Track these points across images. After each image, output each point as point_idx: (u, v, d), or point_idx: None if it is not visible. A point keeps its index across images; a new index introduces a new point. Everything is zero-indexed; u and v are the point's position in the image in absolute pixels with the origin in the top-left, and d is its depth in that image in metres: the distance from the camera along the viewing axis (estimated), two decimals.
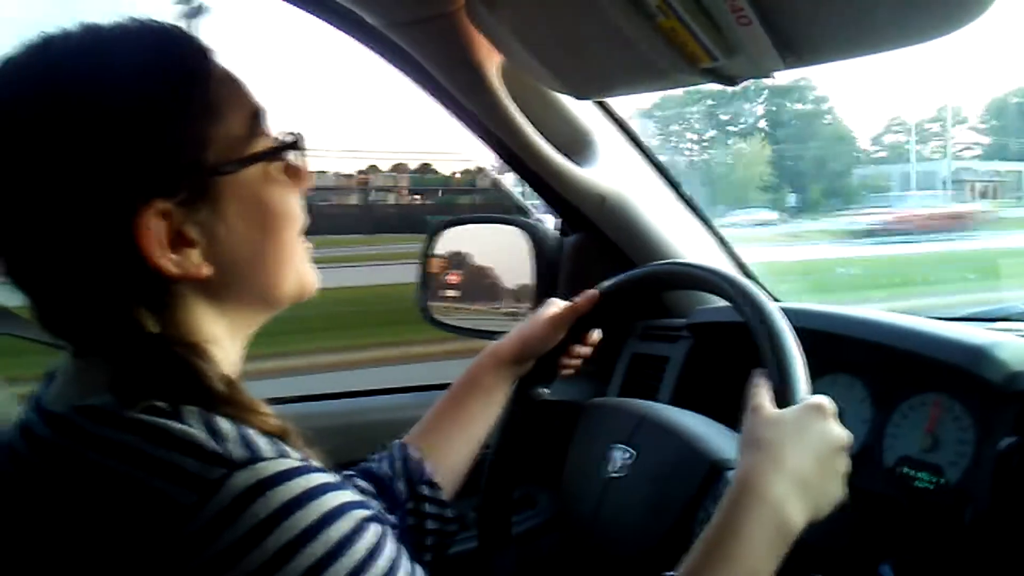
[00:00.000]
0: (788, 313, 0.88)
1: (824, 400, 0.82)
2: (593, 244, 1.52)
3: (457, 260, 1.67)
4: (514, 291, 1.63)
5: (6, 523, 0.65)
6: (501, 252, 1.65)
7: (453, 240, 1.65)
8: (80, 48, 0.66)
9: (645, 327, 1.54)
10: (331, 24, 1.22)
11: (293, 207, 0.74)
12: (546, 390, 1.12)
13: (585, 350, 1.12)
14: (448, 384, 1.09)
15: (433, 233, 1.63)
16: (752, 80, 0.97)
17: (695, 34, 0.87)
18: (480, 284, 1.68)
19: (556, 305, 1.10)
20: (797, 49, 0.89)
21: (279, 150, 0.73)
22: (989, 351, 0.98)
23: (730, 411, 0.97)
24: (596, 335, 1.12)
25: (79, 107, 0.63)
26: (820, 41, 0.90)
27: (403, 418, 1.12)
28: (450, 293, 1.67)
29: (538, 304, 1.45)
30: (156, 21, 0.69)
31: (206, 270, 0.68)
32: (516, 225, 1.60)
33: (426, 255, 1.62)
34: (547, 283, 1.55)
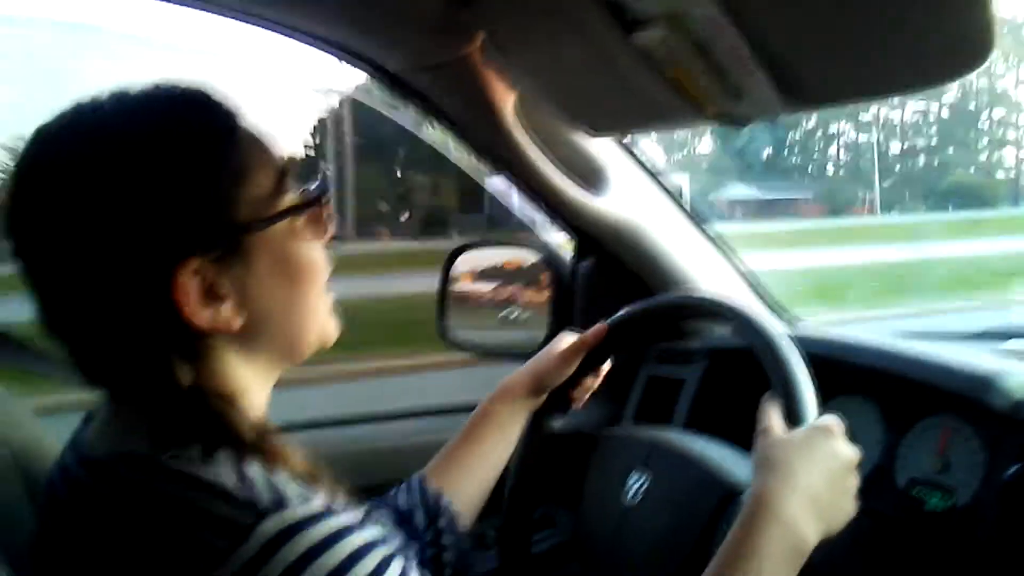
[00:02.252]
0: (800, 340, 0.90)
1: (832, 419, 0.84)
2: (607, 270, 1.54)
3: (476, 282, 1.70)
4: (532, 314, 1.66)
5: (43, 563, 0.68)
6: (518, 275, 1.68)
7: (471, 263, 1.68)
8: (110, 115, 0.68)
9: (661, 350, 1.55)
10: (354, 67, 1.25)
11: (318, 259, 0.77)
12: (559, 422, 1.14)
13: (596, 382, 1.15)
14: (470, 404, 1.12)
15: (452, 255, 1.66)
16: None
17: (702, 82, 0.90)
18: (498, 306, 1.70)
19: (566, 339, 1.12)
20: (799, 94, 0.91)
21: (304, 206, 0.75)
22: (995, 380, 1.00)
23: (746, 433, 0.99)
24: (606, 366, 1.15)
25: (114, 175, 0.65)
26: (821, 87, 0.92)
27: (425, 441, 1.14)
28: (468, 315, 1.70)
29: (554, 327, 1.49)
30: (183, 85, 0.71)
31: (238, 323, 0.70)
32: (533, 248, 1.63)
33: (445, 278, 1.65)
34: (563, 307, 1.57)
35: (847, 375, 1.20)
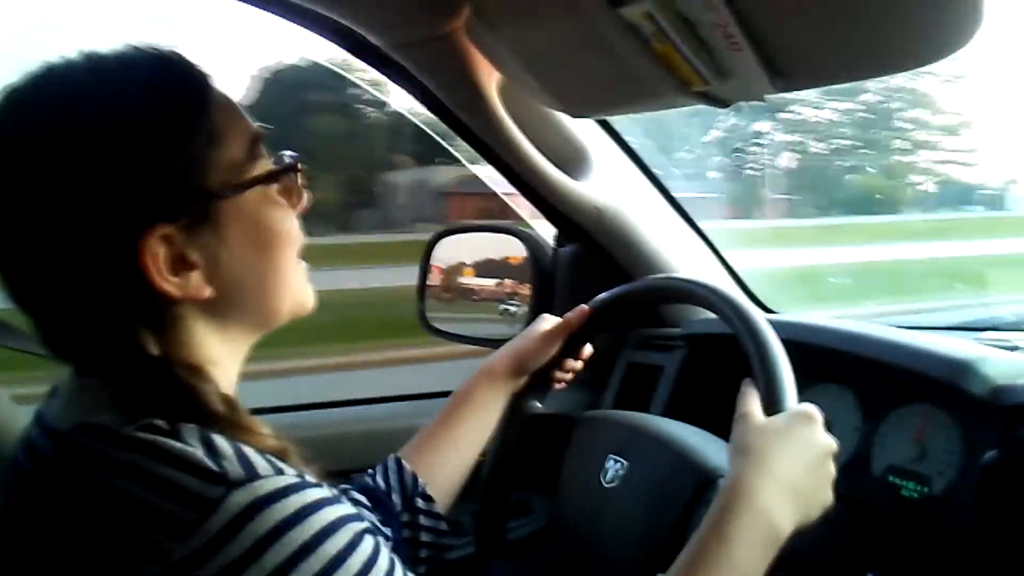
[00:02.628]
0: (778, 325, 0.90)
1: (811, 408, 0.84)
2: (588, 255, 1.54)
3: (455, 268, 1.69)
4: (512, 299, 1.65)
5: (9, 538, 0.66)
6: (498, 260, 1.67)
7: (451, 248, 1.67)
8: (82, 77, 0.67)
9: (641, 336, 1.56)
10: (335, 43, 1.24)
11: (291, 228, 0.76)
12: (539, 404, 1.14)
13: (578, 364, 1.15)
14: (445, 392, 1.11)
15: (432, 241, 1.65)
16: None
17: (687, 58, 0.89)
18: (478, 292, 1.70)
19: (548, 320, 1.12)
20: (786, 73, 0.90)
21: (278, 173, 0.74)
22: (974, 365, 1.00)
23: (724, 420, 0.99)
24: (588, 349, 1.14)
25: (83, 136, 0.64)
26: (808, 66, 0.92)
27: (401, 427, 1.14)
28: (448, 301, 1.69)
29: (534, 313, 1.48)
30: (156, 48, 0.70)
31: (207, 292, 0.69)
32: (513, 234, 1.62)
33: (425, 263, 1.64)
34: (543, 292, 1.57)
35: (825, 362, 1.20)
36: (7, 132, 0.66)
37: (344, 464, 0.97)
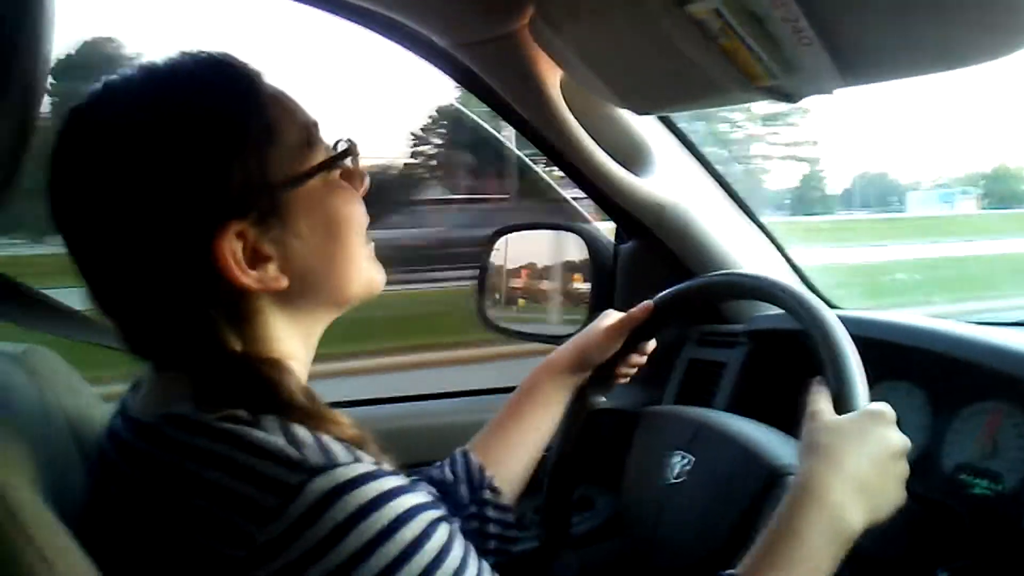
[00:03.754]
0: (846, 321, 0.90)
1: (884, 407, 0.83)
2: (650, 252, 1.54)
3: (516, 265, 1.70)
4: (572, 296, 1.66)
5: (98, 525, 0.69)
6: (559, 257, 1.68)
7: (511, 245, 1.68)
8: (139, 89, 0.69)
9: (703, 333, 1.55)
10: (397, 43, 1.26)
11: (356, 211, 0.78)
12: (603, 398, 1.14)
13: (641, 359, 1.15)
14: (509, 387, 1.12)
15: (491, 238, 1.66)
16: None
17: (756, 54, 0.89)
18: (538, 289, 1.70)
19: (612, 316, 1.12)
20: (856, 68, 0.90)
21: (336, 159, 0.76)
22: None
23: (787, 417, 0.98)
24: (651, 345, 1.14)
25: (149, 146, 0.66)
26: (879, 60, 0.91)
27: (466, 421, 1.15)
28: (508, 298, 1.70)
29: (595, 309, 1.48)
30: (206, 52, 0.72)
31: (284, 281, 0.71)
32: (574, 231, 1.62)
33: (485, 260, 1.65)
34: (603, 289, 1.57)
35: (893, 358, 1.18)
36: (77, 146, 0.69)
37: (410, 458, 0.98)
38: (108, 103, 0.69)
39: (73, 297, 0.77)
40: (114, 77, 0.70)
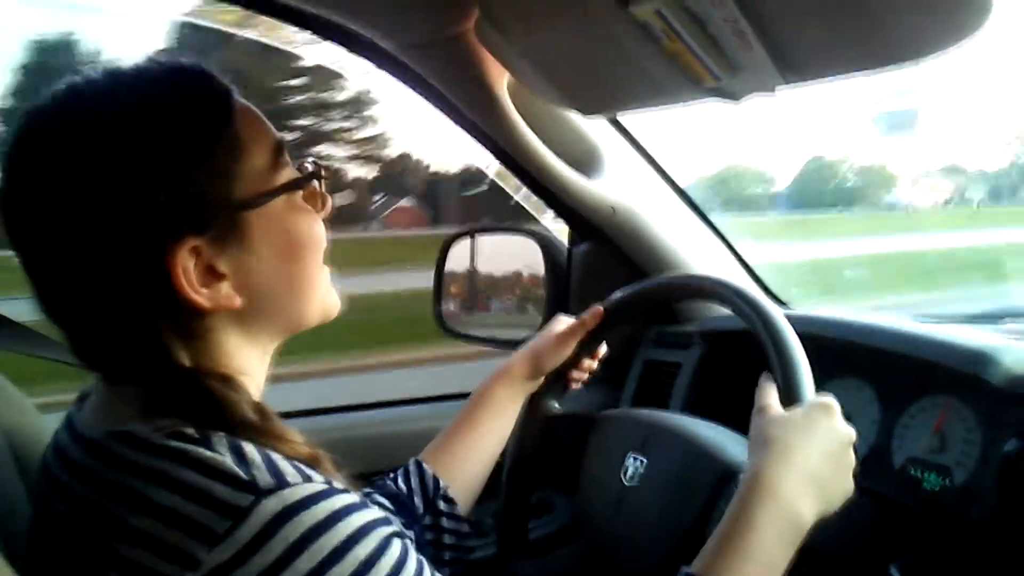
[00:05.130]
0: (795, 320, 0.91)
1: (829, 398, 0.84)
2: (602, 254, 1.54)
3: (470, 270, 1.69)
4: (528, 299, 1.66)
5: (41, 543, 0.67)
6: (513, 261, 1.68)
7: (466, 250, 1.67)
8: (106, 94, 0.67)
9: (657, 333, 1.56)
10: (344, 48, 1.25)
11: (317, 233, 0.77)
12: (556, 404, 1.14)
13: (594, 364, 1.15)
14: (464, 394, 1.11)
15: (447, 243, 1.66)
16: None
17: (699, 56, 0.89)
18: (493, 293, 1.70)
19: (563, 321, 1.12)
20: (798, 67, 0.90)
21: (302, 181, 0.75)
22: (993, 355, 1.00)
23: (742, 416, 0.99)
24: (603, 349, 1.15)
25: (109, 153, 0.65)
26: (820, 59, 0.92)
27: (420, 429, 1.14)
28: (464, 302, 1.69)
29: (549, 312, 1.48)
30: (176, 61, 0.71)
31: (238, 301, 0.70)
32: (527, 235, 1.62)
33: (440, 265, 1.65)
34: (558, 291, 1.57)
35: (841, 355, 1.20)
36: (33, 152, 0.67)
37: (363, 467, 0.97)
38: (69, 105, 0.67)
39: (18, 307, 0.74)
40: (78, 79, 0.68)
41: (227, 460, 0.62)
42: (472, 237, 1.67)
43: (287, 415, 0.71)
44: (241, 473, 0.61)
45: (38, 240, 0.67)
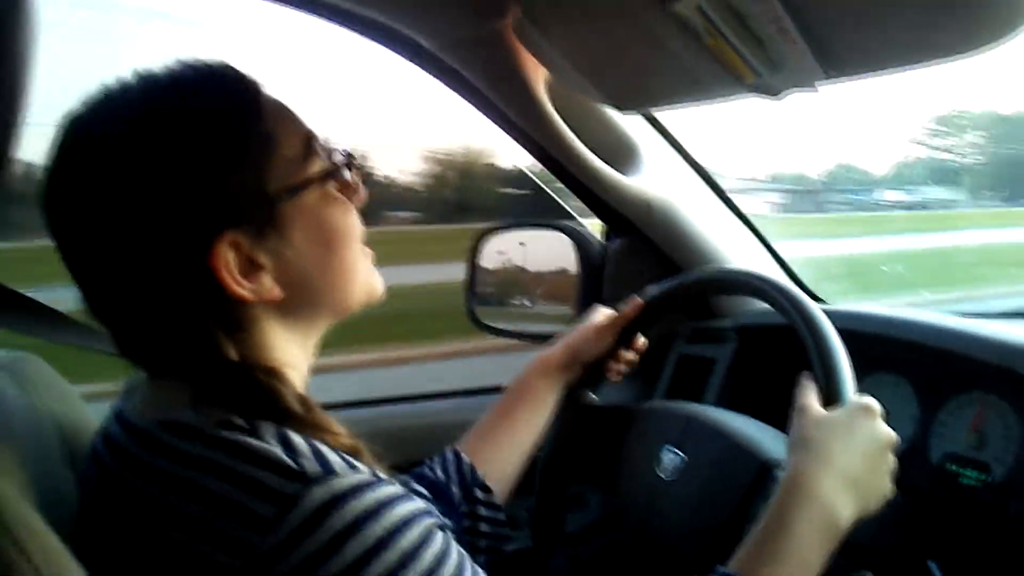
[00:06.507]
0: (832, 315, 0.90)
1: (871, 401, 0.84)
2: (637, 249, 1.54)
3: (503, 264, 1.70)
4: (561, 294, 1.66)
5: (91, 530, 0.69)
6: (547, 256, 1.68)
7: (499, 245, 1.68)
8: (138, 97, 0.69)
9: (692, 329, 1.56)
10: (382, 45, 1.26)
11: (352, 222, 0.78)
12: (594, 396, 1.15)
13: (631, 356, 1.15)
14: (500, 387, 1.12)
15: (479, 238, 1.67)
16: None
17: (740, 52, 0.89)
18: (526, 288, 1.71)
19: (602, 313, 1.13)
20: (840, 63, 0.90)
21: (333, 171, 0.76)
22: None
23: (777, 412, 0.99)
24: (642, 341, 1.15)
25: (148, 156, 0.66)
26: (863, 55, 0.91)
27: (457, 421, 1.15)
28: (497, 297, 1.70)
29: (583, 308, 1.48)
30: (205, 62, 0.72)
31: (279, 292, 0.71)
32: (561, 230, 1.62)
33: (473, 260, 1.65)
34: (591, 287, 1.58)
35: (880, 351, 1.19)
36: (73, 153, 0.69)
37: (404, 459, 0.98)
38: (106, 111, 0.69)
39: (64, 294, 0.76)
40: (112, 85, 0.70)
41: (276, 449, 0.63)
42: (503, 232, 1.67)
43: (326, 407, 0.72)
44: (290, 462, 0.62)
45: (83, 244, 0.69)
